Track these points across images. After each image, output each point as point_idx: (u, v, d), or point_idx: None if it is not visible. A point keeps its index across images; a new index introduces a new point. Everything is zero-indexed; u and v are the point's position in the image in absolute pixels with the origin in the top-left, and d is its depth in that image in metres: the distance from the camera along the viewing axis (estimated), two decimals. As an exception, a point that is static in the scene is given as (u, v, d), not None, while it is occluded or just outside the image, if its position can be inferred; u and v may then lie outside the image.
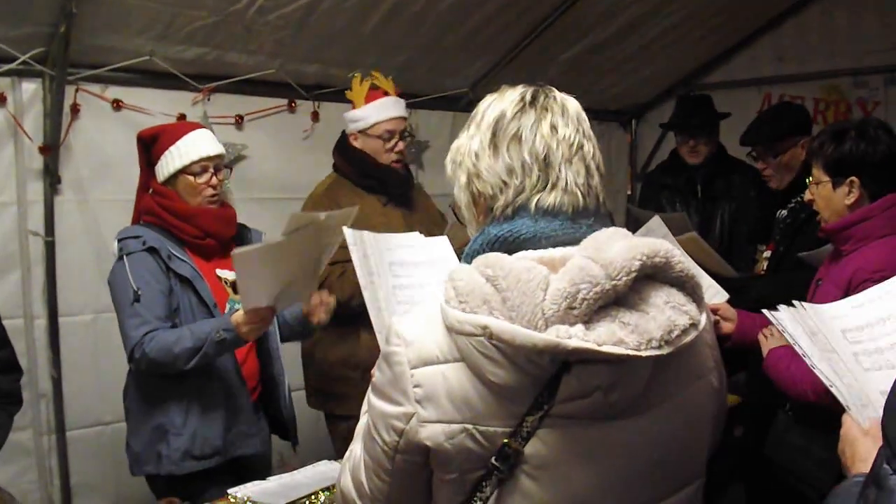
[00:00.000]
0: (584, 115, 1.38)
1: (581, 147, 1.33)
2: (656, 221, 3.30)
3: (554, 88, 1.40)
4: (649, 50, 4.80)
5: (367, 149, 3.25)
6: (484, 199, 1.34)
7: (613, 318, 1.15)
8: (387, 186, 3.27)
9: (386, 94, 3.31)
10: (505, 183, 1.30)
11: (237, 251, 2.31)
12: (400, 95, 3.38)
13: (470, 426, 1.19)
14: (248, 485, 2.45)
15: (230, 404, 2.74)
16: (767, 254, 3.62)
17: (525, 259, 1.21)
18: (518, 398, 1.17)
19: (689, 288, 1.25)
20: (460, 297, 1.18)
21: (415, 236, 2.35)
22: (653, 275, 1.22)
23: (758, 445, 2.97)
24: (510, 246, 1.27)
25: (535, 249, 1.26)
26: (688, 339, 1.20)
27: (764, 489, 3.19)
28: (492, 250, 1.27)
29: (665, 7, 4.39)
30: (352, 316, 2.92)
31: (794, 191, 3.52)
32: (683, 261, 1.24)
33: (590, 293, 1.13)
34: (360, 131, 3.25)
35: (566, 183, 1.30)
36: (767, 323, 2.60)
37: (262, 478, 2.53)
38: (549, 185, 1.29)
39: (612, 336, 1.12)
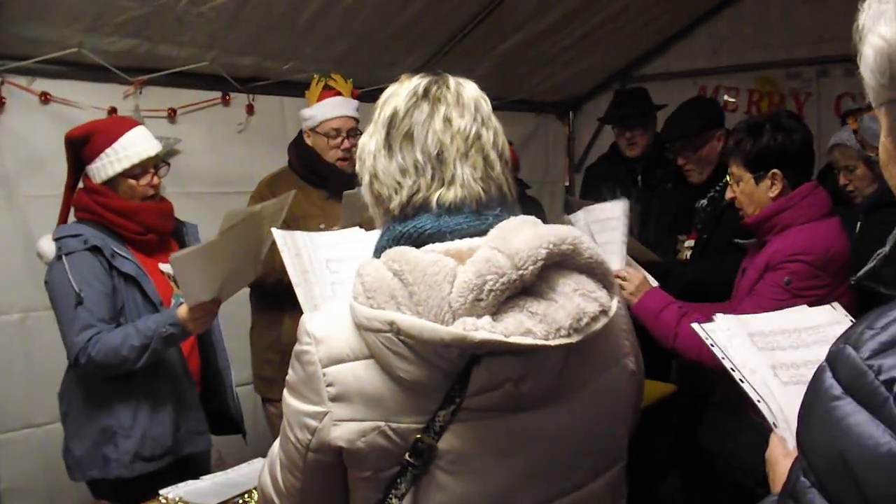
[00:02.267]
0: (483, 101, 1.35)
1: (478, 137, 1.31)
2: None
3: (449, 76, 1.37)
4: (586, 42, 4.83)
5: (316, 146, 3.34)
6: (383, 200, 1.32)
7: (521, 308, 1.14)
8: (328, 183, 3.32)
9: (339, 93, 3.38)
10: (399, 184, 1.29)
11: (175, 256, 2.30)
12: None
13: (383, 423, 1.18)
14: (181, 485, 2.41)
15: (179, 402, 2.71)
16: (689, 243, 3.68)
17: (432, 252, 1.20)
18: (429, 393, 1.17)
19: (598, 274, 1.24)
20: (368, 293, 1.16)
21: (354, 231, 2.36)
22: (561, 262, 1.21)
23: (692, 433, 3.02)
24: (416, 241, 1.25)
25: (441, 242, 1.24)
26: (597, 326, 1.19)
27: (699, 477, 3.25)
28: (398, 245, 1.25)
29: (599, 0, 4.42)
30: (281, 302, 3.02)
31: (712, 181, 3.58)
32: (592, 247, 1.24)
33: (496, 284, 1.12)
34: (310, 129, 3.35)
35: (463, 179, 1.27)
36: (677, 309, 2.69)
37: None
38: (445, 183, 1.27)
39: (520, 326, 1.11)
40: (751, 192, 2.61)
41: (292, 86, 3.94)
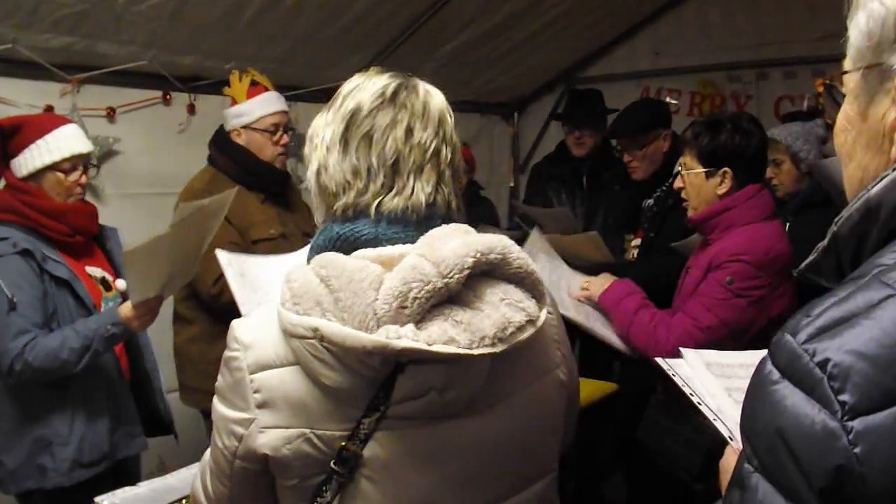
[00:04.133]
0: (448, 115, 1.33)
1: (437, 153, 1.29)
2: (534, 237, 3.35)
3: (421, 81, 1.34)
4: (530, 43, 4.84)
5: (251, 144, 3.20)
6: (327, 194, 1.30)
7: (446, 316, 1.14)
8: (267, 184, 3.22)
9: (266, 89, 3.27)
10: (349, 183, 1.27)
11: (128, 250, 2.26)
12: (279, 88, 3.35)
13: (308, 431, 1.18)
14: (118, 491, 2.35)
15: (114, 405, 2.66)
16: (636, 242, 3.74)
17: (360, 258, 1.19)
18: (354, 400, 1.17)
19: (528, 284, 1.24)
20: (295, 299, 1.16)
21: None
22: (490, 271, 1.20)
23: (633, 432, 3.07)
24: (352, 244, 1.24)
25: (374, 248, 1.23)
26: (523, 336, 1.19)
27: (641, 475, 3.29)
28: (333, 248, 1.24)
29: (543, 2, 4.43)
30: (229, 315, 2.87)
31: (657, 181, 3.64)
32: (522, 257, 1.23)
33: (421, 292, 1.11)
34: (243, 126, 3.20)
35: (412, 192, 1.26)
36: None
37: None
38: (393, 192, 1.25)
39: (444, 335, 1.11)
40: (700, 185, 2.65)
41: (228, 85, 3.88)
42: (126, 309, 2.46)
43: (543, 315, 1.25)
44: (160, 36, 3.53)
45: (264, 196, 3.21)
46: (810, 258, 0.97)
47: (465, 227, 1.26)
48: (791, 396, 0.79)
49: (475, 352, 1.12)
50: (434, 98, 1.32)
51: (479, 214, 4.30)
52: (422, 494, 1.23)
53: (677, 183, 2.76)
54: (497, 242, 1.21)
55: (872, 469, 0.73)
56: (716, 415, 1.60)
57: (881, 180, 0.87)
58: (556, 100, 5.65)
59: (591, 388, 3.28)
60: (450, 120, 1.33)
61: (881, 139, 0.91)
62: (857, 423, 0.74)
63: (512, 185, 5.97)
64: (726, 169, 2.59)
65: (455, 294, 1.17)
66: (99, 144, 3.47)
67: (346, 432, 1.18)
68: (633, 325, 2.68)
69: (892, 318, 0.77)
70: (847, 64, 0.95)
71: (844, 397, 0.75)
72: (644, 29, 5.34)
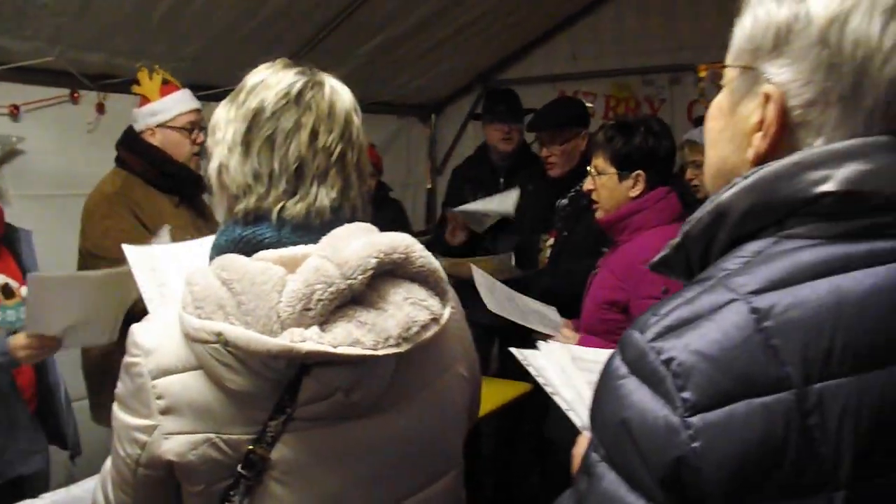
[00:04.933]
0: (354, 115, 1.31)
1: (342, 156, 1.27)
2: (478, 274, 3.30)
3: (329, 79, 1.31)
4: (447, 45, 4.85)
5: (166, 144, 3.08)
6: (229, 196, 1.27)
7: (351, 317, 1.13)
8: (182, 186, 3.11)
9: (178, 88, 3.18)
10: (250, 187, 1.24)
11: (34, 275, 2.17)
12: (192, 87, 3.27)
13: (213, 435, 1.16)
14: (18, 504, 2.29)
15: (5, 421, 2.53)
16: (550, 242, 3.78)
17: (262, 260, 1.17)
18: (260, 404, 1.15)
19: (431, 282, 1.24)
20: (196, 303, 1.13)
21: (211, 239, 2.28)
22: (393, 271, 1.20)
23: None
24: (253, 248, 1.22)
25: (276, 250, 1.21)
26: (428, 334, 1.19)
27: (554, 471, 3.32)
28: (235, 249, 1.22)
29: (461, 3, 4.44)
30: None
31: (572, 180, 3.69)
32: (425, 255, 1.23)
33: (325, 293, 1.11)
34: (158, 125, 3.09)
35: (315, 198, 1.24)
36: None
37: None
38: (296, 198, 1.23)
39: (349, 336, 1.11)
40: (612, 187, 2.68)
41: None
42: (19, 339, 2.31)
43: (447, 313, 1.26)
44: (67, 32, 3.42)
45: (179, 199, 3.10)
46: (662, 253, 1.03)
47: (368, 226, 1.26)
48: (637, 391, 0.83)
49: (380, 352, 1.12)
50: (340, 98, 1.30)
51: (387, 217, 4.28)
52: (331, 494, 1.22)
53: (587, 184, 2.79)
54: (400, 242, 1.21)
55: (709, 463, 0.78)
56: (569, 405, 1.64)
57: (732, 187, 0.92)
58: (474, 101, 5.67)
59: (508, 388, 3.32)
60: (356, 120, 1.31)
61: (742, 137, 0.96)
62: (696, 420, 0.79)
63: (429, 186, 5.97)
64: (639, 172, 2.63)
65: (359, 294, 1.16)
66: (1, 143, 3.34)
67: (253, 435, 1.16)
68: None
69: (733, 322, 0.82)
70: (728, 58, 0.99)
71: (686, 394, 0.80)
72: (561, 32, 5.39)
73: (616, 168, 2.66)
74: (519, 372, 3.60)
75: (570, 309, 2.84)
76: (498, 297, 2.98)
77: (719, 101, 1.01)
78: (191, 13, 3.60)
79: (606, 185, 2.69)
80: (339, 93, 1.30)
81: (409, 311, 1.18)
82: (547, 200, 3.91)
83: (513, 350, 1.94)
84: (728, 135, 0.99)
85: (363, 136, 1.32)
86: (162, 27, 3.61)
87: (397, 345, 1.14)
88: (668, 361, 0.81)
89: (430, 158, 5.97)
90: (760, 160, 0.92)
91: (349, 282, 1.12)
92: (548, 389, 1.68)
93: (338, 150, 1.26)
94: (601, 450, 0.86)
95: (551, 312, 3.04)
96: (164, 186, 3.06)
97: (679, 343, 0.82)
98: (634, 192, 2.64)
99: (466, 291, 3.39)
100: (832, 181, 0.86)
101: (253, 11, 3.80)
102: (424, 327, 1.19)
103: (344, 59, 4.43)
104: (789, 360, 0.80)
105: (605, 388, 0.87)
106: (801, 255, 0.86)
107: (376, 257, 1.15)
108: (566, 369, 1.78)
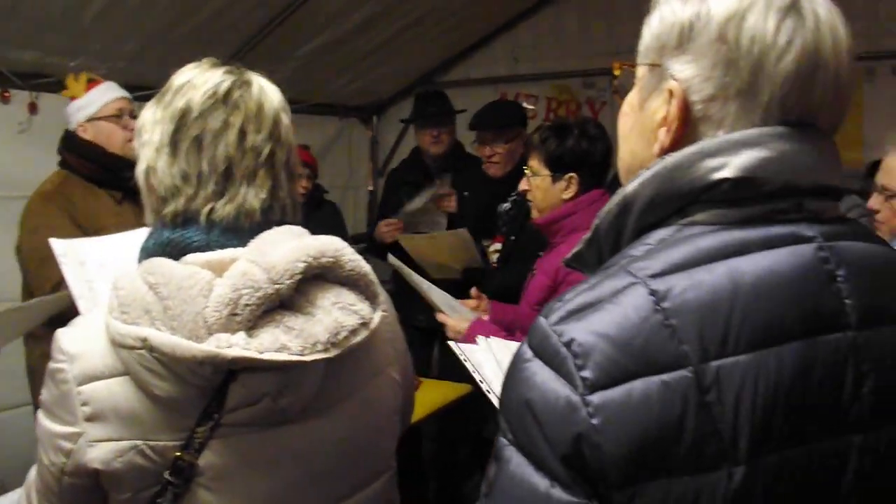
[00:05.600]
0: (283, 114, 1.29)
1: (271, 156, 1.25)
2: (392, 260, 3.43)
3: (256, 77, 1.29)
4: (389, 47, 4.84)
5: (98, 137, 3.04)
6: (156, 198, 1.25)
7: (278, 322, 1.13)
8: (122, 179, 2.96)
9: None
10: (178, 189, 1.22)
11: None
12: (129, 88, 3.21)
13: (140, 442, 1.14)
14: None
15: None
16: (496, 247, 3.79)
17: (190, 264, 1.16)
18: (187, 410, 1.13)
19: (361, 286, 1.24)
20: (122, 308, 1.12)
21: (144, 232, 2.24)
22: (323, 275, 1.20)
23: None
24: (181, 252, 1.20)
25: (204, 253, 1.19)
26: (357, 339, 1.19)
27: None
28: (163, 253, 1.20)
29: (402, 5, 4.43)
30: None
31: (510, 183, 3.69)
32: (355, 259, 1.23)
33: (252, 298, 1.10)
34: (89, 119, 3.05)
35: (245, 199, 1.23)
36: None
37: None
38: (225, 199, 1.22)
39: (275, 342, 1.10)
40: (546, 188, 2.70)
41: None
42: None
43: (378, 317, 1.25)
44: (-4, 29, 3.34)
45: (122, 195, 3.04)
46: (575, 248, 1.06)
47: (298, 229, 1.25)
48: (540, 373, 0.85)
49: (307, 358, 1.12)
50: (268, 97, 1.28)
51: (322, 219, 4.26)
52: (260, 500, 1.21)
53: (522, 185, 2.81)
54: (329, 246, 1.20)
55: (608, 439, 0.80)
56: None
57: (637, 178, 0.95)
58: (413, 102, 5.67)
59: (448, 390, 3.33)
60: (285, 120, 1.30)
61: (650, 132, 0.99)
62: (595, 398, 0.81)
63: (371, 188, 5.95)
64: (572, 174, 2.65)
65: (287, 299, 1.15)
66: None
67: (180, 442, 1.14)
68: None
69: (632, 304, 0.85)
70: (638, 56, 1.03)
71: (586, 373, 0.82)
72: (503, 34, 5.41)
73: (549, 170, 2.68)
74: (460, 374, 3.63)
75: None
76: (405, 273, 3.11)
77: (630, 98, 1.05)
78: (125, 12, 3.53)
79: (540, 187, 2.71)
80: (267, 92, 1.29)
81: (337, 315, 1.17)
82: (487, 205, 3.92)
83: (451, 344, 1.94)
84: (637, 130, 1.02)
85: (292, 135, 1.31)
86: (96, 25, 3.53)
87: (325, 350, 1.13)
88: (569, 343, 0.83)
89: (372, 161, 5.95)
90: (665, 154, 0.95)
91: (277, 286, 1.11)
92: (483, 386, 1.68)
93: (266, 149, 1.25)
94: (508, 434, 0.88)
95: (455, 304, 3.08)
96: (105, 183, 3.02)
97: (579, 325, 0.84)
98: (568, 194, 2.66)
99: (404, 295, 3.45)
100: (728, 168, 0.89)
101: (191, 11, 3.74)
102: (353, 332, 1.18)
103: (283, 59, 4.40)
104: (687, 339, 0.82)
105: (512, 373, 0.89)
106: (700, 240, 0.89)
107: (304, 261, 1.14)
108: (503, 364, 1.78)
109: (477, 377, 1.71)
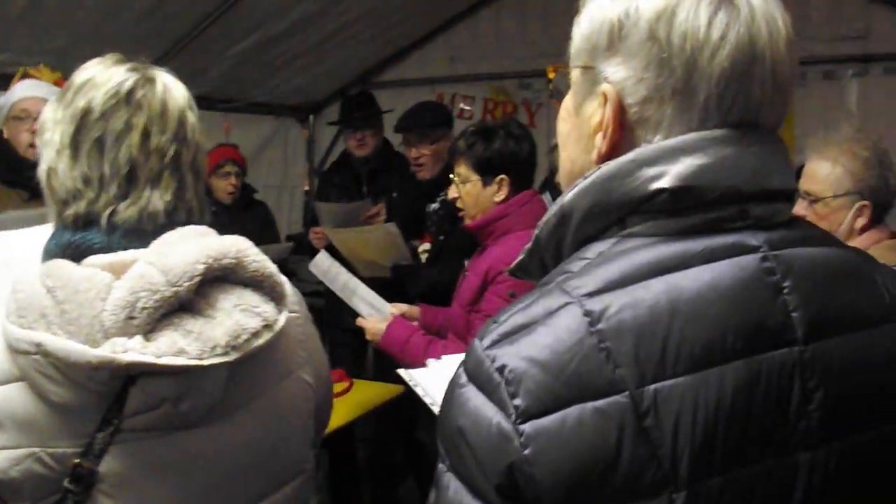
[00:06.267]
0: (189, 113, 1.26)
1: (177, 157, 1.23)
2: (321, 258, 3.47)
3: (161, 75, 1.26)
4: (325, 46, 4.81)
5: (12, 138, 3.01)
6: (57, 200, 1.22)
7: (177, 326, 1.10)
8: (27, 179, 2.97)
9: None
10: (79, 192, 1.19)
11: None
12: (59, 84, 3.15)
13: (37, 450, 1.11)
14: None
15: None
16: (425, 247, 3.79)
17: (89, 266, 1.13)
18: (85, 416, 1.11)
19: (266, 288, 1.22)
20: (20, 311, 1.09)
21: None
22: (225, 277, 1.17)
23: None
24: (82, 254, 1.17)
25: (105, 255, 1.16)
26: (259, 342, 1.17)
27: (430, 475, 3.34)
28: (64, 255, 1.17)
29: (338, 5, 4.41)
30: None
31: (439, 183, 3.71)
32: (259, 259, 1.21)
33: (149, 301, 1.07)
34: (5, 120, 3.02)
35: (148, 201, 1.20)
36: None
37: None
38: (127, 201, 1.19)
39: (173, 346, 1.08)
40: (477, 194, 2.68)
41: (5, 80, 3.61)
42: None
43: (283, 318, 1.23)
44: (-85, 22, 3.24)
45: (29, 195, 2.96)
46: (519, 258, 1.02)
47: (203, 228, 1.22)
48: (474, 399, 0.83)
49: (205, 362, 1.09)
50: (173, 96, 1.25)
51: (252, 218, 4.23)
52: None
53: (452, 192, 2.79)
54: (231, 246, 1.18)
55: (542, 469, 0.78)
56: None
57: (574, 187, 0.91)
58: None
59: (380, 391, 3.32)
60: (191, 118, 1.27)
61: (587, 138, 0.95)
62: (527, 427, 0.79)
63: (307, 188, 5.92)
64: (503, 176, 2.64)
65: (187, 302, 1.13)
66: None
67: (80, 448, 1.12)
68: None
69: (566, 326, 0.82)
70: (571, 58, 0.98)
71: (518, 402, 0.79)
72: (440, 35, 5.43)
73: (479, 174, 2.66)
74: (395, 375, 3.63)
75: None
76: (332, 274, 3.15)
77: (566, 103, 1.01)
78: (55, 5, 3.44)
79: (471, 192, 2.70)
80: (171, 90, 1.26)
81: (239, 318, 1.15)
82: (415, 205, 3.92)
83: (400, 372, 1.93)
84: (574, 136, 0.99)
85: (199, 133, 1.28)
86: (23, 19, 3.45)
87: (225, 353, 1.11)
88: (501, 368, 0.81)
89: (308, 160, 5.93)
90: (603, 160, 0.91)
91: (175, 289, 1.09)
92: (434, 409, 1.66)
93: (171, 150, 1.22)
94: (446, 459, 0.86)
95: (380, 303, 3.09)
96: (13, 182, 2.98)
97: (511, 350, 0.82)
98: (499, 197, 2.65)
99: (333, 297, 3.44)
100: (666, 177, 0.86)
101: (124, 6, 3.66)
102: (256, 334, 1.16)
103: (218, 57, 4.34)
104: (623, 363, 0.79)
105: (448, 397, 0.87)
106: (637, 254, 0.86)
107: (204, 263, 1.12)
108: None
109: (428, 401, 1.70)
